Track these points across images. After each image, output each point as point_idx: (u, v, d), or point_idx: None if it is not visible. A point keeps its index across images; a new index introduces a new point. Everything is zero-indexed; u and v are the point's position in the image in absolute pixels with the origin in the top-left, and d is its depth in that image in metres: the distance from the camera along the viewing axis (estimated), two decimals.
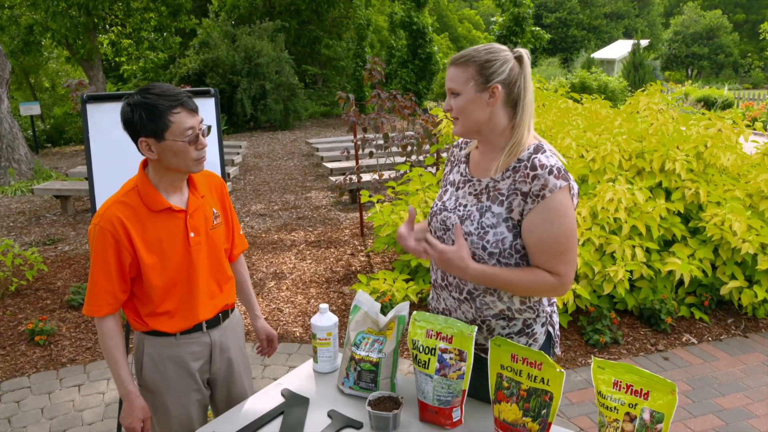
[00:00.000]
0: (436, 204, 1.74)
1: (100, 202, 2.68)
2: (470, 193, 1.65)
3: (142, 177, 1.73)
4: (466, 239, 1.59)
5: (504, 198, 1.58)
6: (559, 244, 1.53)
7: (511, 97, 1.57)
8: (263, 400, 1.79)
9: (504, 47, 1.59)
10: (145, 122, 1.61)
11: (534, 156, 1.55)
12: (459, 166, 1.75)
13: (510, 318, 1.64)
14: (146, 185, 1.72)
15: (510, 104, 1.58)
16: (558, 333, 1.78)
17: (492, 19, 19.20)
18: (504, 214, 1.57)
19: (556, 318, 1.76)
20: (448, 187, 1.75)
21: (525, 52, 1.58)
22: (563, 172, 1.53)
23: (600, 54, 29.25)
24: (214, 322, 1.89)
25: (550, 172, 1.51)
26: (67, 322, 4.34)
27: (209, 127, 1.73)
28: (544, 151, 1.56)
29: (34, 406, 3.31)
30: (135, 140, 1.66)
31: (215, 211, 1.88)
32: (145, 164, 1.76)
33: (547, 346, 1.73)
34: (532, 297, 1.63)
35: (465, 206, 1.64)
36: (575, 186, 1.57)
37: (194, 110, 1.66)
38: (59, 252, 6.04)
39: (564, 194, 1.52)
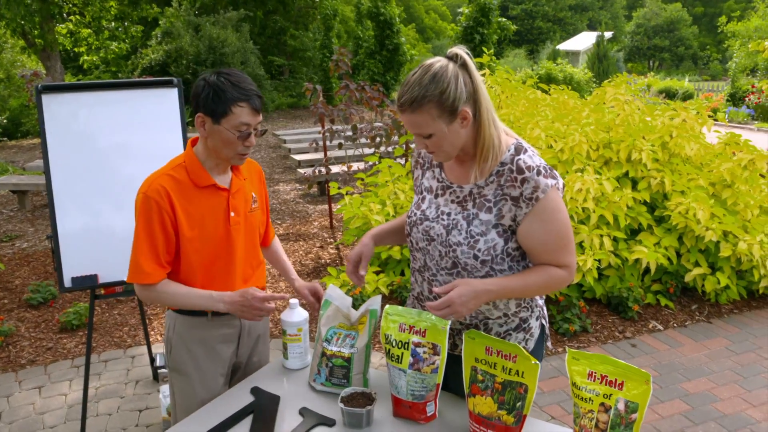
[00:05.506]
0: (414, 213, 1.66)
1: (58, 197, 2.57)
2: (452, 201, 1.59)
3: (189, 154, 1.79)
4: (455, 249, 1.55)
5: (492, 204, 1.53)
6: (561, 239, 1.53)
7: (476, 105, 1.50)
8: (232, 398, 1.74)
9: (441, 60, 1.46)
10: (209, 101, 1.67)
11: (517, 158, 1.51)
12: (433, 171, 1.67)
13: (507, 317, 1.63)
14: (193, 162, 1.77)
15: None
16: (548, 326, 1.77)
17: (458, 10, 19.23)
18: (493, 221, 1.53)
19: (545, 311, 1.76)
20: (425, 194, 1.67)
21: (462, 51, 1.47)
22: (549, 170, 1.51)
23: (565, 45, 29.62)
24: None
25: (539, 173, 1.48)
26: (26, 322, 4.19)
27: (265, 131, 1.80)
28: (526, 151, 1.53)
29: None
30: (194, 113, 1.71)
31: (254, 195, 1.92)
32: (193, 143, 1.82)
33: (541, 339, 1.72)
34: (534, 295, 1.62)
35: (449, 215, 1.58)
36: (561, 180, 1.55)
37: (257, 110, 1.71)
38: (17, 249, 5.83)
39: (554, 192, 1.51)
